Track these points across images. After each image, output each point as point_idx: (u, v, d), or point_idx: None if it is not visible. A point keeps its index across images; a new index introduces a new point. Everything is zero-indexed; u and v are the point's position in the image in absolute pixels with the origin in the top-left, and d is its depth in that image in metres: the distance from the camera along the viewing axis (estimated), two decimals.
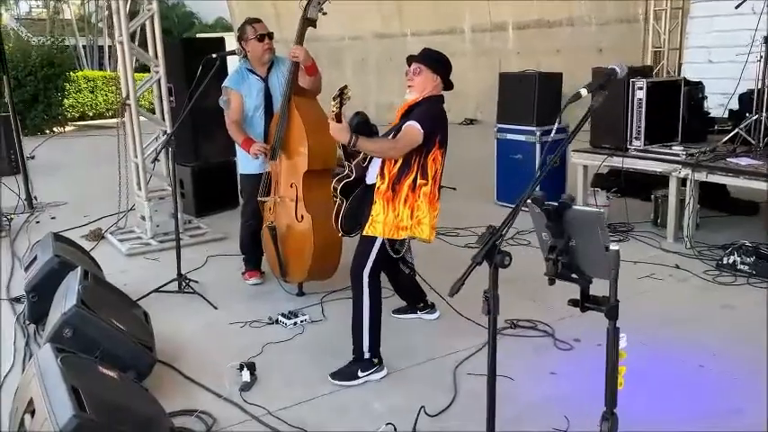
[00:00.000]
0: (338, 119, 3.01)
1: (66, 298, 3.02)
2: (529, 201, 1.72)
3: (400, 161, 3.12)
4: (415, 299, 3.86)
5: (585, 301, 1.78)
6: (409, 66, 3.24)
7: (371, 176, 3.25)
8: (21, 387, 2.38)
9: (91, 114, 18.03)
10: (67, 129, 16.03)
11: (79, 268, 3.33)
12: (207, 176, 6.50)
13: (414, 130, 3.05)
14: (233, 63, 4.48)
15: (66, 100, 16.07)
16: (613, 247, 1.67)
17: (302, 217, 3.96)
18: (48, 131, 14.70)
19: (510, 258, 1.75)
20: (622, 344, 1.70)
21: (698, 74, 7.10)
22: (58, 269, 3.68)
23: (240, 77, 4.23)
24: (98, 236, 5.75)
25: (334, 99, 3.00)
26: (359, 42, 16.39)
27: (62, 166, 9.82)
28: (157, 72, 5.62)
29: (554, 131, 6.03)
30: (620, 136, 5.53)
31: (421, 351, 3.47)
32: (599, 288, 1.91)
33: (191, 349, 3.56)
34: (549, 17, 13.13)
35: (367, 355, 3.14)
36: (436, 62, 3.21)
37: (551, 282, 1.82)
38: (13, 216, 6.37)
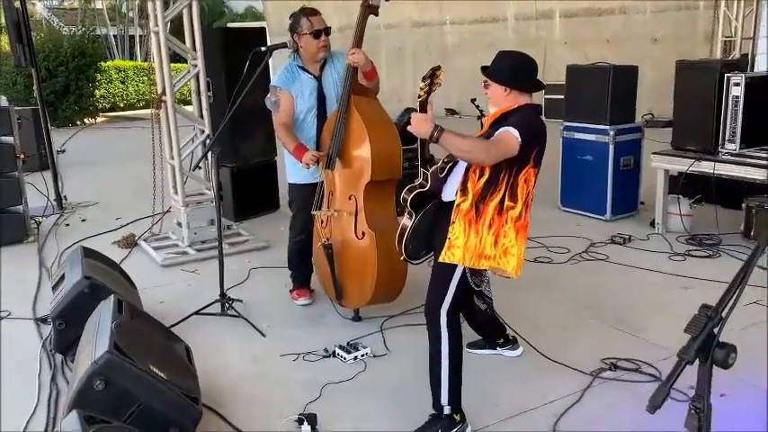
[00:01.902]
0: (423, 107, 2.48)
1: (96, 337, 2.56)
2: None
3: (486, 175, 2.59)
4: (494, 334, 3.33)
5: None
6: None
7: (449, 192, 2.73)
8: None
9: (122, 105, 17.80)
10: (99, 120, 15.79)
11: (112, 298, 2.87)
12: (246, 178, 6.03)
13: (511, 136, 2.51)
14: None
15: (97, 91, 15.81)
16: None
17: (363, 234, 3.45)
18: (79, 123, 14.43)
19: (735, 355, 1.20)
20: None
21: None
22: (89, 293, 3.24)
23: (291, 76, 3.72)
24: (131, 243, 5.33)
25: (423, 80, 2.47)
26: (395, 31, 15.77)
27: (92, 160, 9.48)
28: (195, 65, 5.15)
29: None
30: (709, 137, 4.92)
31: (507, 400, 2.93)
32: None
33: (239, 390, 3.08)
34: (600, 5, 12.40)
35: (447, 410, 2.63)
36: (500, 73, 2.65)
37: None
38: (41, 219, 5.98)
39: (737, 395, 2.80)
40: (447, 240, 2.62)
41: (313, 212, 3.69)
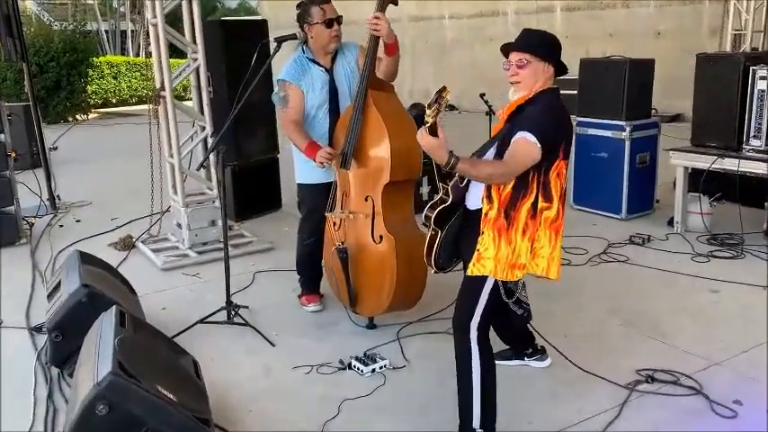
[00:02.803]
0: (433, 131, 2.25)
1: (98, 354, 2.34)
2: None
3: (513, 181, 2.39)
4: (523, 344, 3.13)
5: None
6: (506, 56, 2.49)
7: (474, 200, 2.52)
8: None
9: (114, 101, 17.48)
10: (91, 116, 15.47)
11: (114, 309, 2.65)
12: (248, 176, 5.79)
13: (528, 145, 2.30)
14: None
15: (89, 86, 15.49)
16: None
17: (381, 238, 3.24)
18: (71, 119, 14.11)
19: None
20: None
21: None
22: (87, 303, 3.02)
23: (300, 69, 3.49)
24: (129, 245, 5.09)
25: (429, 106, 2.26)
26: (393, 25, 15.48)
27: (85, 158, 9.20)
28: (195, 59, 4.91)
29: None
30: (732, 134, 4.73)
31: (541, 416, 2.73)
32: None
33: (251, 407, 2.87)
34: None
35: None
36: (545, 47, 2.45)
37: None
38: (34, 220, 5.73)
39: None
40: (476, 252, 2.41)
41: (326, 214, 3.48)
